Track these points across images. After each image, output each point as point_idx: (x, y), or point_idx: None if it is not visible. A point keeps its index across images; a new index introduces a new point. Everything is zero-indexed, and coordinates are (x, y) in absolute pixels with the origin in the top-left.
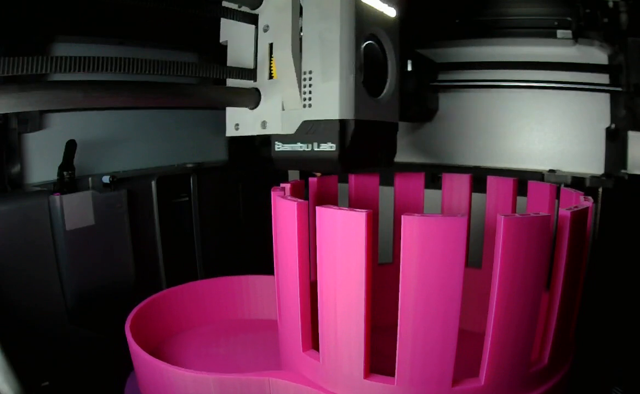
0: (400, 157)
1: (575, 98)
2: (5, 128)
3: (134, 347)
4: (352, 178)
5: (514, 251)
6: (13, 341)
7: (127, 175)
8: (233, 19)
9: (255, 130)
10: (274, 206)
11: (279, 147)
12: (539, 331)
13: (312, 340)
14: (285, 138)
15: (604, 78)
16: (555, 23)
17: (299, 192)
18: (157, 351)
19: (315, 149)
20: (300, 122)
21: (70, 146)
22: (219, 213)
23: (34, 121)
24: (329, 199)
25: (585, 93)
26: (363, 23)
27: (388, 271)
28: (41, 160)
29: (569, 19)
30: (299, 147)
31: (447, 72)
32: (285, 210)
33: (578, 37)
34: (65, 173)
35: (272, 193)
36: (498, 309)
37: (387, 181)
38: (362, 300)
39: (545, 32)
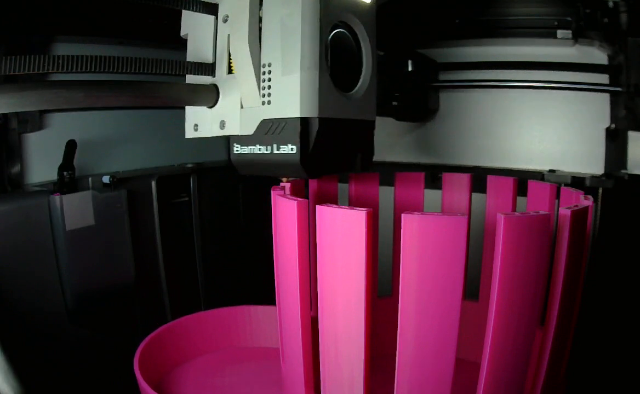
0: (400, 157)
1: (575, 98)
2: (5, 128)
3: (144, 386)
4: (352, 177)
5: (514, 251)
6: (13, 341)
7: (127, 175)
8: (193, 9)
9: (214, 131)
10: (274, 206)
11: (237, 149)
12: (531, 368)
13: (314, 380)
14: (243, 140)
15: (604, 78)
16: (555, 23)
17: (299, 191)
18: (163, 383)
19: (275, 152)
20: (259, 121)
21: (70, 146)
22: (219, 213)
23: (34, 121)
24: (329, 198)
25: (585, 93)
26: (330, 8)
27: (387, 304)
28: (41, 160)
29: (569, 19)
30: (258, 149)
31: (448, 72)
32: (285, 209)
33: (578, 37)
34: (65, 173)
35: (272, 192)
36: (498, 310)
37: (387, 181)
38: (362, 300)
39: (545, 32)
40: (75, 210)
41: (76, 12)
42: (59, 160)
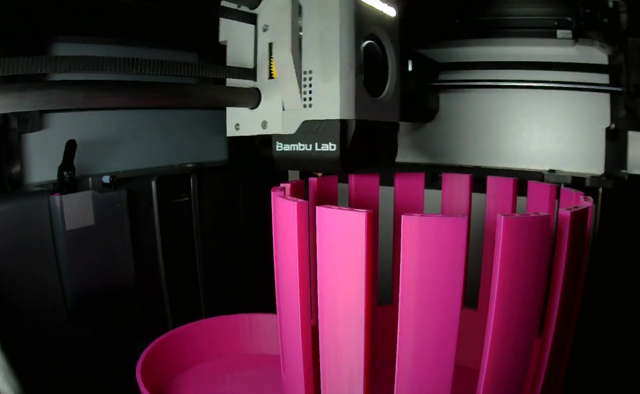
0: (400, 157)
1: (575, 98)
2: (5, 128)
3: None
4: (352, 178)
5: (514, 252)
6: (13, 341)
7: (127, 175)
8: (232, 18)
9: (256, 130)
10: (274, 206)
11: (279, 147)
12: (531, 370)
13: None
14: (285, 139)
15: (604, 78)
16: (555, 23)
17: (299, 192)
18: (164, 389)
19: (316, 149)
20: (301, 122)
21: (70, 146)
22: (219, 213)
23: (34, 121)
24: (329, 199)
25: (585, 93)
26: (363, 23)
27: (387, 311)
28: (41, 160)
29: (569, 19)
30: (300, 147)
31: (448, 72)
32: (285, 210)
33: (578, 37)
34: (65, 173)
35: (272, 193)
36: (498, 311)
37: (387, 181)
38: (362, 301)
39: (545, 32)
40: (75, 210)
41: (76, 12)
42: (59, 160)
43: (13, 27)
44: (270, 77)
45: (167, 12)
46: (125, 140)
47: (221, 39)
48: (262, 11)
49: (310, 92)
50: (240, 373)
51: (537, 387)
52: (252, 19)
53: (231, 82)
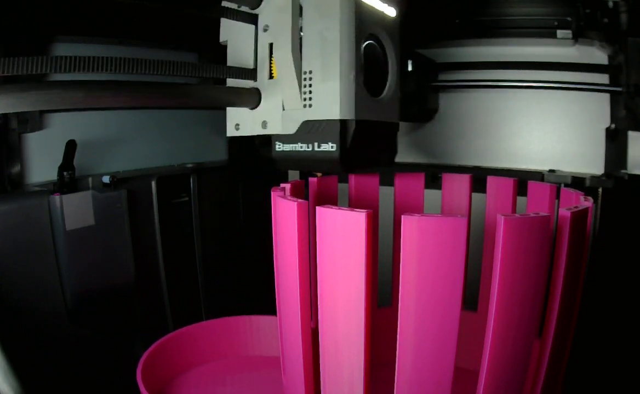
0: (400, 157)
1: (575, 98)
2: (5, 128)
3: None
4: (352, 178)
5: (514, 252)
6: (13, 341)
7: (127, 175)
8: (233, 18)
9: (256, 130)
10: (274, 206)
11: (279, 147)
12: (531, 371)
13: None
14: (285, 139)
15: (604, 78)
16: (555, 23)
17: (299, 192)
18: (164, 392)
19: (316, 149)
20: (301, 122)
21: (70, 146)
22: (219, 213)
23: (34, 121)
24: (329, 199)
25: (585, 93)
26: (363, 23)
27: (387, 313)
28: (41, 160)
29: (569, 19)
30: (300, 147)
31: (448, 72)
32: (285, 210)
33: (578, 37)
34: (65, 173)
35: (272, 193)
36: (498, 311)
37: (387, 181)
38: (362, 301)
39: (545, 32)
40: (75, 210)
41: (76, 12)
42: (59, 160)
43: (13, 27)
44: (271, 77)
45: (167, 12)
46: (125, 140)
47: (222, 39)
48: (262, 11)
49: (310, 92)
50: (240, 374)
51: (537, 388)
52: (252, 19)
53: (231, 82)
